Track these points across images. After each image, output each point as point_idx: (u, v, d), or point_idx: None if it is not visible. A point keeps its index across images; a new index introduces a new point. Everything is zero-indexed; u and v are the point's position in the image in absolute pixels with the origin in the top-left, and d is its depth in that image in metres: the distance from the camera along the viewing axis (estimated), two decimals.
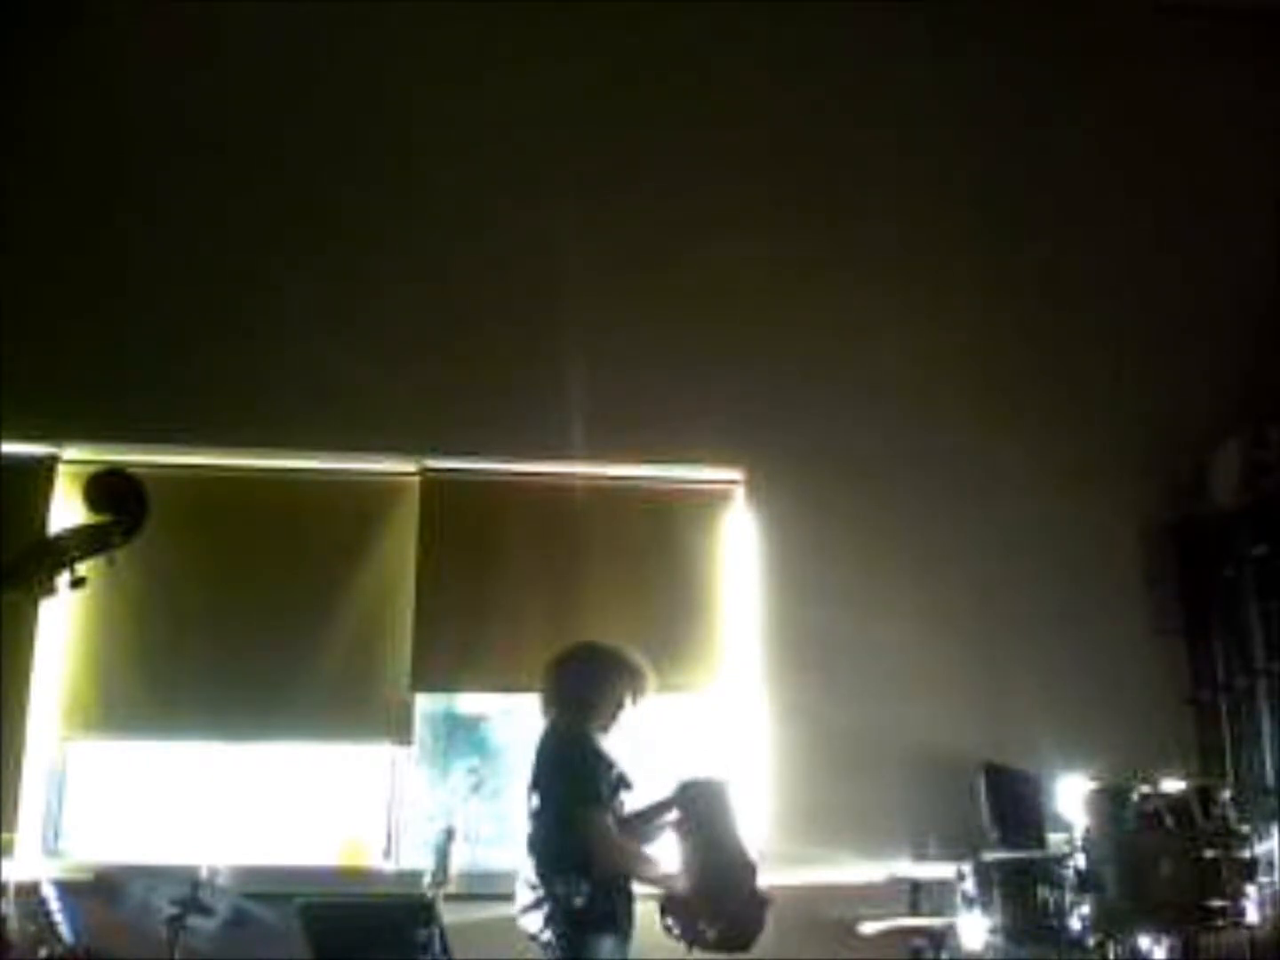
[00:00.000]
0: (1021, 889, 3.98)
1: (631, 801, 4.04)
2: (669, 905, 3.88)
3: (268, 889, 4.26)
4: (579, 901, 3.73)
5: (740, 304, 5.54)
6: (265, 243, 5.45)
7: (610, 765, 3.97)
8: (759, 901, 3.87)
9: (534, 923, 3.81)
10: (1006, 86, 5.88)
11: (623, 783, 4.00)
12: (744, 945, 3.84)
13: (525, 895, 3.86)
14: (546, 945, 3.78)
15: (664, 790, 4.09)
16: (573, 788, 3.85)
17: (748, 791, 4.72)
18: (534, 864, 3.85)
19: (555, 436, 5.26)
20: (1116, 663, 5.23)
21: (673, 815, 4.02)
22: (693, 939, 3.84)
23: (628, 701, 4.09)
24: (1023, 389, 5.58)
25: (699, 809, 4.00)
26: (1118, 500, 5.48)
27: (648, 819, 4.05)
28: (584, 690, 4.05)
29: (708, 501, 5.48)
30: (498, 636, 5.14)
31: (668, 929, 3.87)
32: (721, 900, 3.86)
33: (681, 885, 3.88)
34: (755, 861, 3.95)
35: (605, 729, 4.06)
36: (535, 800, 3.91)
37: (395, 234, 5.52)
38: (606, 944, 3.76)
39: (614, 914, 3.81)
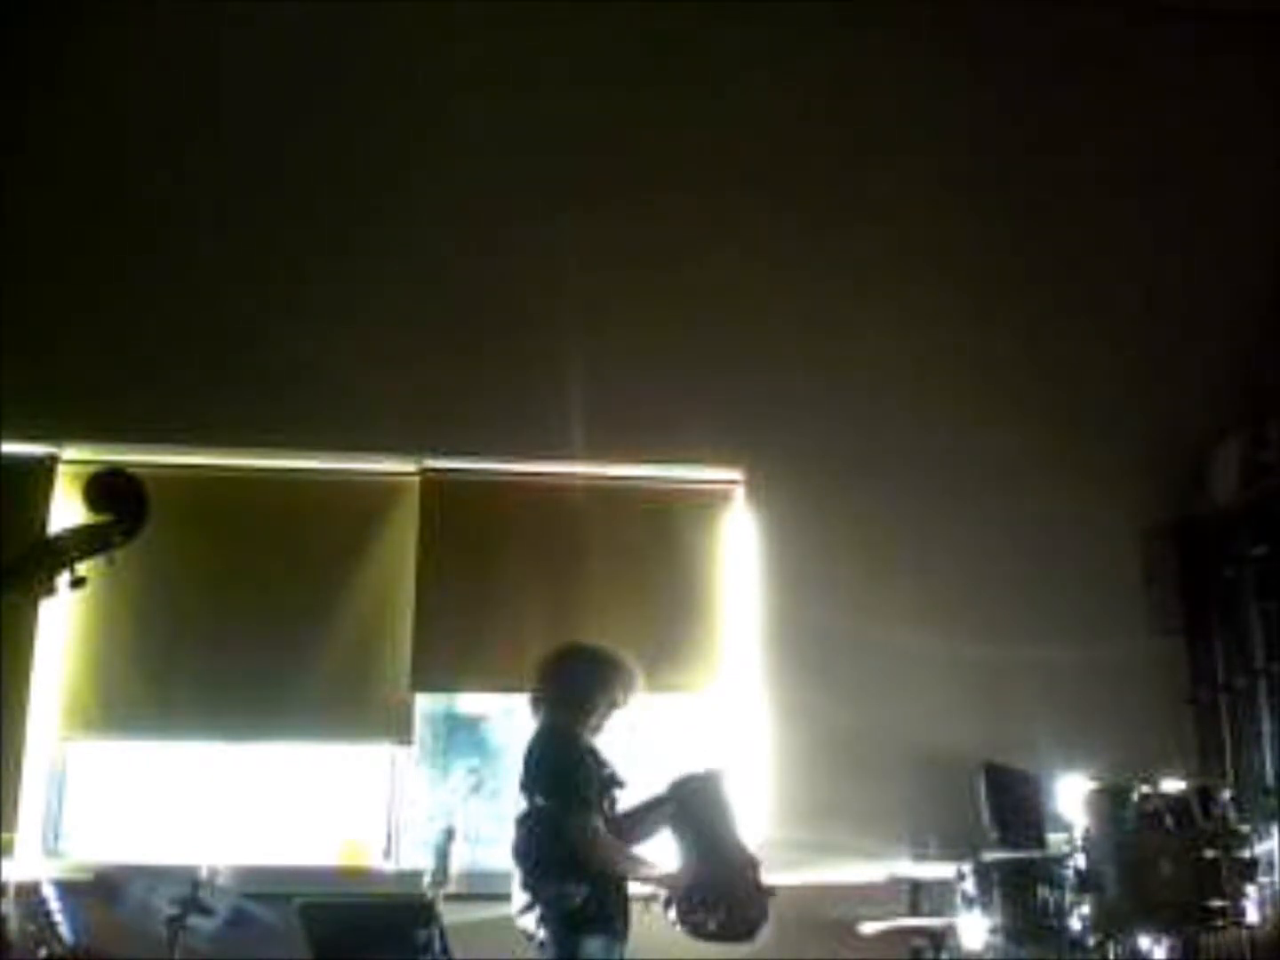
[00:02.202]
0: (1021, 889, 3.99)
1: (624, 800, 4.04)
2: (670, 895, 3.88)
3: (268, 889, 4.25)
4: (574, 901, 3.73)
5: (740, 304, 5.53)
6: (265, 243, 5.45)
7: (601, 764, 3.98)
8: (761, 892, 3.87)
9: (530, 922, 3.81)
10: (1005, 87, 5.88)
11: (614, 782, 4.00)
12: (746, 934, 3.85)
13: (521, 896, 3.86)
14: (542, 945, 3.78)
15: (656, 788, 4.08)
16: (560, 789, 3.84)
17: (747, 792, 4.72)
18: (521, 868, 3.85)
19: (555, 436, 5.26)
20: (1116, 663, 5.21)
21: (669, 808, 4.01)
22: (694, 928, 3.84)
23: (618, 701, 4.09)
24: (1022, 389, 5.58)
25: (695, 801, 3.99)
26: (1118, 500, 5.48)
27: (640, 817, 4.04)
28: (574, 690, 4.06)
29: (708, 501, 5.47)
30: (498, 636, 5.13)
31: (671, 918, 3.86)
32: (722, 890, 3.85)
33: (673, 883, 3.88)
34: (754, 855, 3.95)
35: (596, 729, 4.06)
36: (523, 802, 3.91)
37: (396, 234, 5.51)
38: (602, 944, 3.76)
39: (609, 914, 3.81)
